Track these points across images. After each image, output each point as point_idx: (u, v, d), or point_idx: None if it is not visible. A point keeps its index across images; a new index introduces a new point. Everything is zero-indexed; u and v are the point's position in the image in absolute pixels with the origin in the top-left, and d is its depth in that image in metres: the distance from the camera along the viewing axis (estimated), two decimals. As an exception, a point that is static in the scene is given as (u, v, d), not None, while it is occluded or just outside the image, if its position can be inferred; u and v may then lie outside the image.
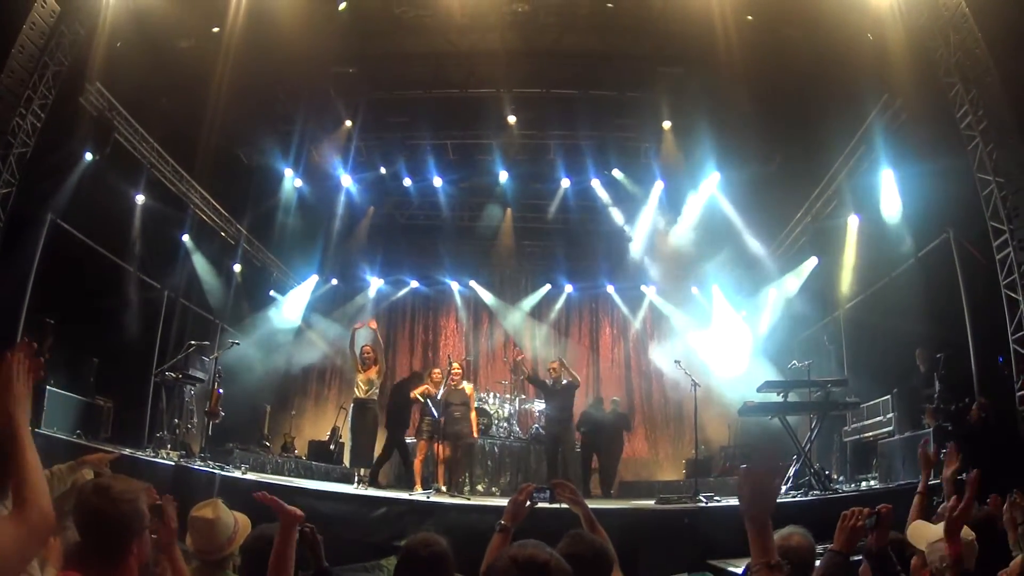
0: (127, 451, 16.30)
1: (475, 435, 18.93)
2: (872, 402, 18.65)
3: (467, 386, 18.77)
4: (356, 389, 18.66)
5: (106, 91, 18.26)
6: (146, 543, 4.40)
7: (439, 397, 17.94)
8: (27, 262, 16.66)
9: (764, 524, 3.99)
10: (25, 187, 15.93)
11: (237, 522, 6.50)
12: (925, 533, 5.56)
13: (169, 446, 17.98)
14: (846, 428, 20.17)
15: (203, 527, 6.28)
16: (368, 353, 19.00)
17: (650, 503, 16.44)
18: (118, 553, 4.10)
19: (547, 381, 20.27)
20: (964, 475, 11.95)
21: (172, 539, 5.49)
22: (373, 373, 18.85)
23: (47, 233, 17.03)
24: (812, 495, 14.62)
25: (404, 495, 15.61)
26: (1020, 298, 14.09)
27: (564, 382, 19.92)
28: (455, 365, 18.89)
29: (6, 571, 3.27)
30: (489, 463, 22.32)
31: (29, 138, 15.58)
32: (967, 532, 5.66)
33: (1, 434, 4.60)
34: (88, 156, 18.24)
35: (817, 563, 5.28)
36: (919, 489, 7.09)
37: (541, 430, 24.01)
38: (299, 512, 5.32)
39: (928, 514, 6.89)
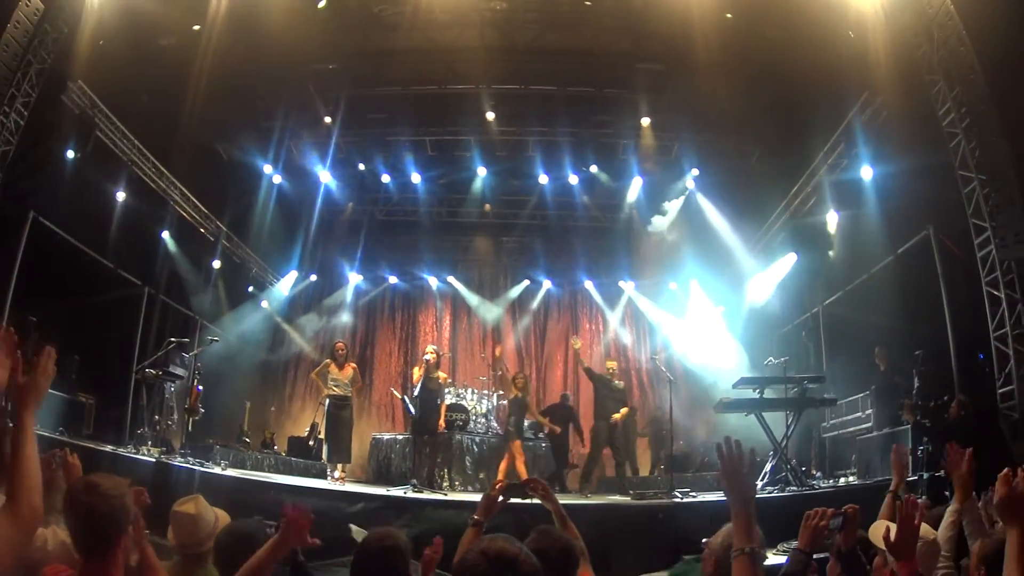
0: (108, 447, 16.39)
1: (441, 427, 18.88)
2: (850, 398, 18.90)
3: (441, 375, 18.83)
4: (331, 387, 18.72)
5: (88, 89, 18.26)
6: (130, 537, 4.53)
7: (418, 388, 17.98)
8: (9, 260, 16.66)
9: (748, 512, 4.18)
10: (7, 185, 15.97)
11: (218, 517, 6.63)
12: (891, 533, 5.68)
13: (150, 443, 17.98)
14: (824, 424, 20.38)
15: (185, 522, 6.41)
16: (342, 350, 19.13)
17: (625, 499, 16.61)
18: (107, 547, 4.24)
19: (615, 382, 20.20)
20: (940, 473, 12.21)
21: (141, 535, 5.60)
22: (348, 371, 18.95)
23: (29, 230, 17.06)
24: (788, 491, 14.79)
25: (381, 491, 15.72)
26: (1002, 295, 14.24)
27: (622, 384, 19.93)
28: (432, 351, 18.90)
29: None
30: (467, 459, 22.37)
31: (12, 136, 15.57)
32: (928, 530, 5.81)
33: None
34: (70, 154, 18.27)
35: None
36: (890, 488, 7.25)
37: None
38: (312, 541, 5.34)
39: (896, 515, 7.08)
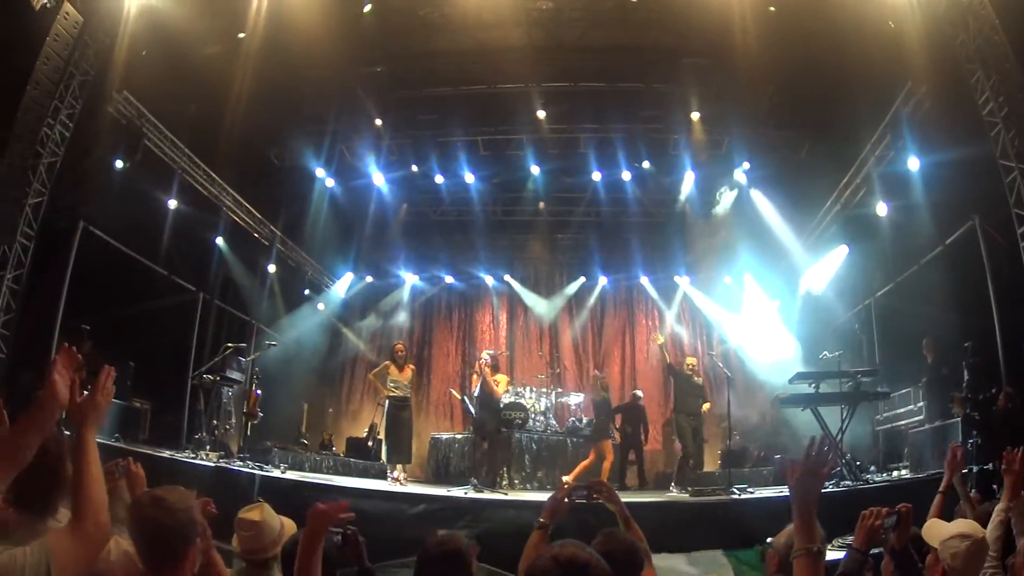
0: (166, 453, 16.49)
1: None
2: (903, 391, 18.68)
3: (500, 378, 18.73)
4: (391, 388, 18.66)
5: (133, 98, 18.43)
6: (197, 549, 4.49)
7: (477, 389, 17.94)
8: (61, 270, 16.89)
9: (810, 512, 4.12)
10: (56, 196, 16.06)
11: (283, 525, 6.66)
12: (939, 531, 5.59)
13: (208, 447, 18.08)
14: (878, 417, 20.14)
15: (250, 528, 6.45)
16: (401, 352, 19.11)
17: (684, 496, 16.49)
18: (174, 561, 4.22)
19: (695, 378, 20.06)
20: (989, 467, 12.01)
21: (208, 543, 5.57)
22: (408, 373, 18.93)
23: (79, 240, 17.21)
24: (844, 485, 14.60)
25: (442, 492, 15.69)
26: (1046, 285, 14.03)
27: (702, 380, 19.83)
28: (486, 356, 18.85)
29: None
30: (527, 457, 22.31)
31: (58, 147, 15.72)
32: (977, 529, 5.72)
33: (51, 452, 4.73)
34: (119, 163, 18.41)
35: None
36: (940, 488, 7.21)
37: (578, 423, 24.05)
38: (333, 512, 5.22)
39: (947, 512, 6.97)
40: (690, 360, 20.66)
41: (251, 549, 6.41)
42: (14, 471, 4.10)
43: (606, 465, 19.68)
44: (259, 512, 6.55)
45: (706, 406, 19.90)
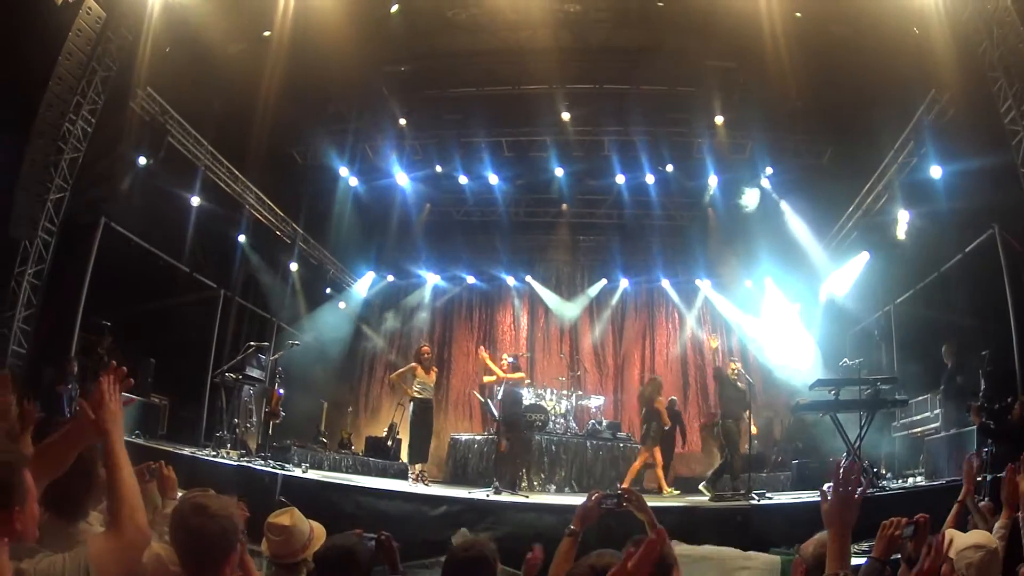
0: (187, 451, 16.51)
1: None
2: (919, 398, 18.62)
3: (516, 376, 18.63)
4: (417, 390, 18.59)
5: (157, 95, 18.51)
6: (238, 555, 4.52)
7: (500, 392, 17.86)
8: (82, 265, 16.95)
9: (844, 538, 4.06)
10: (78, 192, 16.09)
11: (312, 529, 6.65)
12: (954, 541, 5.55)
13: (229, 445, 18.08)
14: (895, 424, 20.10)
15: (280, 533, 6.45)
16: (427, 354, 19.07)
17: (704, 499, 16.43)
18: (216, 568, 4.21)
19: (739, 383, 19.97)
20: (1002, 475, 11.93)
21: (243, 546, 5.55)
22: (433, 375, 18.92)
23: (101, 236, 17.26)
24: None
25: (463, 493, 15.61)
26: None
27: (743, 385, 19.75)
28: (507, 358, 18.78)
29: None
30: (545, 459, 22.26)
31: (80, 143, 15.83)
32: (991, 539, 5.69)
33: (84, 457, 4.70)
34: (142, 160, 18.43)
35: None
36: (959, 498, 7.18)
37: (598, 426, 23.99)
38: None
39: (963, 521, 6.94)
40: (733, 365, 20.56)
41: (281, 553, 6.42)
42: (47, 480, 4.07)
43: (659, 471, 19.67)
44: (289, 517, 6.54)
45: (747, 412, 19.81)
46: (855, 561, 5.41)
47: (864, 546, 5.77)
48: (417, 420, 18.56)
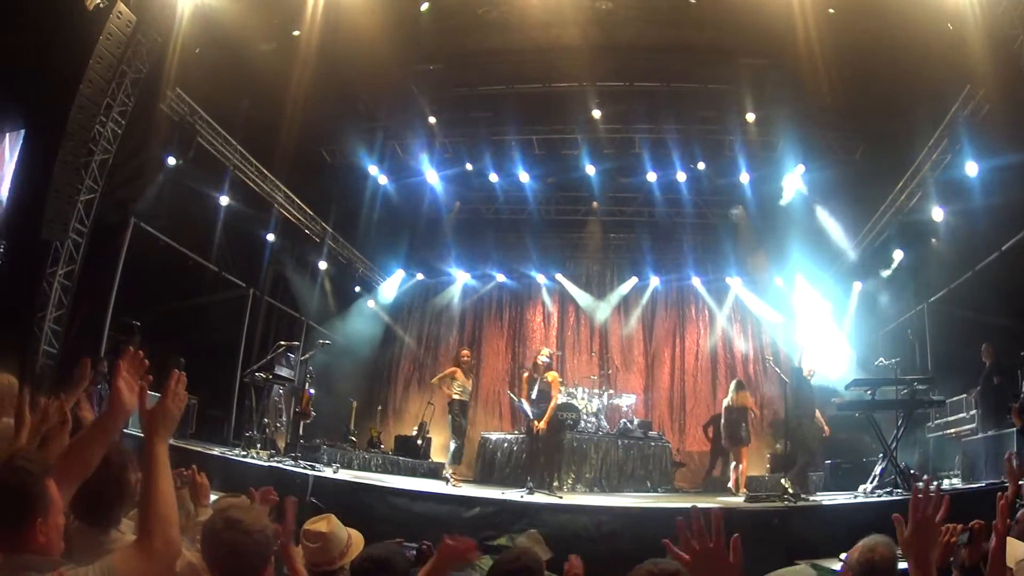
0: (217, 451, 16.49)
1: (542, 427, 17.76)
2: (955, 398, 18.49)
3: (550, 375, 18.38)
4: (458, 392, 18.48)
5: (187, 96, 18.55)
6: (272, 567, 4.48)
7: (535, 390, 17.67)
8: (112, 265, 17.00)
9: (927, 568, 3.88)
10: (108, 192, 16.12)
11: (350, 537, 6.58)
12: (1014, 551, 5.38)
13: (259, 445, 18.04)
14: (929, 424, 19.96)
15: (316, 540, 6.37)
16: (467, 358, 19.00)
17: (738, 500, 16.32)
18: None
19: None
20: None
21: (289, 539, 5.60)
22: (471, 379, 18.90)
23: (131, 236, 17.30)
24: (897, 494, 14.32)
25: (497, 495, 15.45)
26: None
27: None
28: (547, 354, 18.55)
29: None
30: (576, 458, 22.14)
31: (111, 145, 15.94)
32: None
33: (113, 462, 4.59)
34: (171, 160, 18.44)
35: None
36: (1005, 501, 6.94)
37: (629, 424, 23.87)
38: (462, 550, 5.01)
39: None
40: (809, 367, 20.42)
41: (317, 562, 6.30)
42: (80, 478, 4.04)
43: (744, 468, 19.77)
44: (326, 524, 6.47)
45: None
46: (902, 565, 5.29)
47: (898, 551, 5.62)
48: (457, 423, 18.50)
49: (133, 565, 3.29)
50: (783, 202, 25.96)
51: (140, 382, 4.07)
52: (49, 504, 3.42)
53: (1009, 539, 5.62)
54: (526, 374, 18.31)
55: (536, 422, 17.11)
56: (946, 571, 5.19)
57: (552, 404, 17.63)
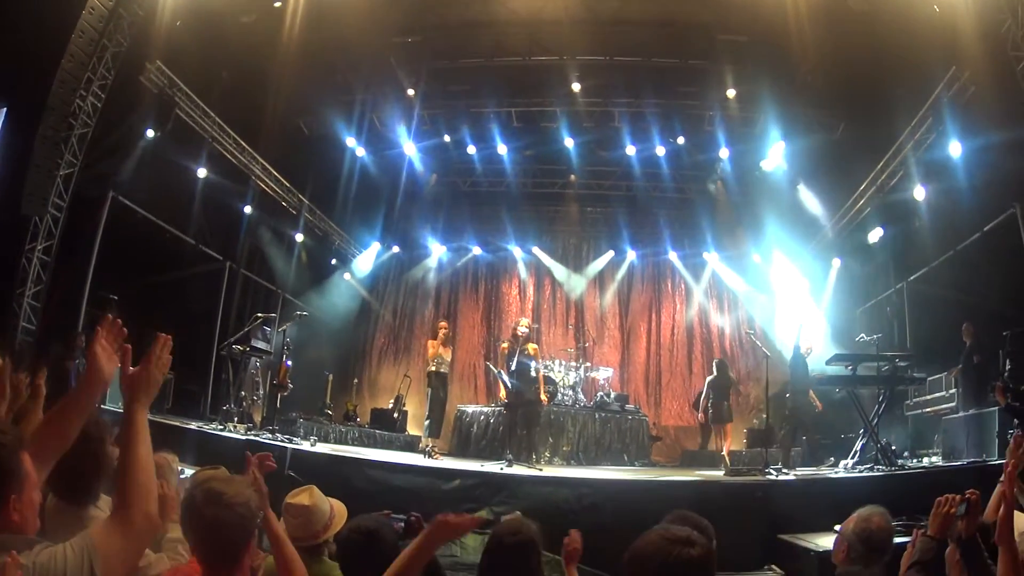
0: (194, 425, 16.44)
1: (543, 398, 18.02)
2: (934, 377, 18.55)
3: (531, 347, 18.24)
4: (435, 364, 18.47)
5: (167, 69, 18.37)
6: (255, 540, 4.41)
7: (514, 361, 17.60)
8: (90, 240, 16.93)
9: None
10: (87, 166, 16.07)
11: (333, 509, 6.45)
12: (1019, 523, 5.43)
13: (236, 419, 18.01)
14: (908, 402, 20.05)
15: (299, 514, 6.24)
16: (445, 329, 19.01)
17: (718, 474, 16.38)
18: (236, 556, 4.09)
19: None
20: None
21: (265, 503, 5.38)
22: (449, 350, 18.86)
23: (109, 210, 17.23)
24: (878, 470, 14.43)
25: (476, 467, 15.49)
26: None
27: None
28: (525, 323, 18.43)
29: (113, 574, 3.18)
30: (551, 430, 22.17)
31: (90, 118, 15.83)
32: None
33: (92, 436, 4.54)
34: (150, 133, 18.34)
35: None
36: (1002, 478, 7.00)
37: (606, 398, 23.93)
38: (462, 525, 4.90)
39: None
40: (807, 344, 20.47)
41: (300, 536, 6.12)
42: (59, 453, 3.93)
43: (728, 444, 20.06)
44: (308, 496, 6.35)
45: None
46: (897, 540, 5.34)
47: (897, 524, 5.65)
48: (436, 396, 18.50)
49: (112, 540, 3.17)
50: (763, 165, 25.98)
51: (118, 350, 4.00)
52: (24, 480, 3.29)
53: (1017, 512, 5.68)
54: (505, 345, 18.23)
55: (523, 394, 17.07)
56: (944, 543, 5.21)
57: (540, 375, 17.67)
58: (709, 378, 21.55)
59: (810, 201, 25.13)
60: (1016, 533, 5.33)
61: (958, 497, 5.07)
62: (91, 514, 4.72)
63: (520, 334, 17.54)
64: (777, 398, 19.83)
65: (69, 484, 4.57)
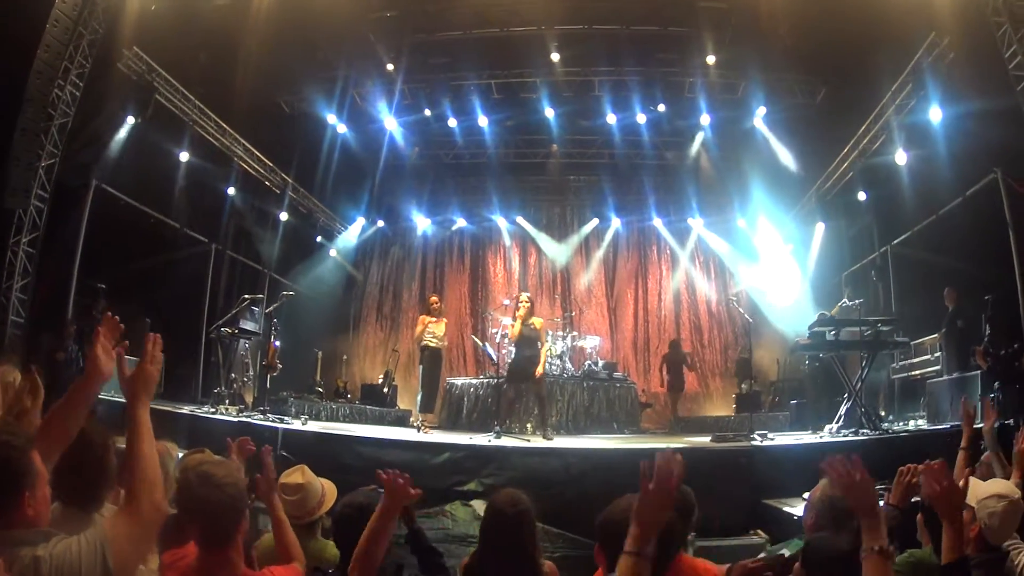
0: (186, 409, 16.51)
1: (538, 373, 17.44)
2: (919, 340, 18.67)
3: (537, 321, 17.97)
4: (429, 340, 18.53)
5: (144, 54, 18.32)
6: (248, 520, 4.51)
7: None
8: (74, 229, 16.95)
9: (875, 512, 4.02)
10: (69, 156, 16.09)
11: (323, 487, 6.69)
12: (975, 490, 5.56)
13: (227, 401, 18.08)
14: (894, 365, 20.20)
15: (295, 492, 6.48)
16: (436, 304, 19.02)
17: (705, 440, 16.50)
18: (228, 535, 4.23)
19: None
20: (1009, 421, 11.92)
21: (272, 487, 5.66)
22: (442, 324, 18.84)
23: (92, 199, 17.26)
24: (862, 435, 14.56)
25: (465, 440, 15.54)
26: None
27: None
28: (525, 298, 18.32)
29: (124, 565, 3.33)
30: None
31: (69, 108, 15.76)
32: (1014, 489, 5.66)
33: (95, 443, 4.68)
34: (130, 120, 18.31)
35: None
36: (962, 444, 7.22)
37: (594, 366, 24.06)
38: (414, 492, 5.02)
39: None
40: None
41: (297, 514, 6.36)
42: (60, 449, 4.08)
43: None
44: (301, 475, 6.60)
45: None
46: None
47: (880, 488, 5.76)
48: (429, 370, 18.55)
49: (121, 529, 3.33)
50: (745, 129, 26.03)
51: (117, 348, 4.12)
52: (36, 476, 3.45)
53: (973, 480, 5.80)
54: (512, 322, 18.23)
55: (526, 369, 17.05)
56: (904, 512, 5.32)
57: (544, 349, 17.69)
58: (665, 354, 22.51)
59: (793, 166, 25.16)
60: (975, 499, 5.47)
61: (920, 467, 5.17)
62: (95, 521, 4.75)
63: (526, 310, 17.43)
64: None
65: (75, 491, 4.61)
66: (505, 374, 18.15)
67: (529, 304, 17.45)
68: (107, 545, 3.25)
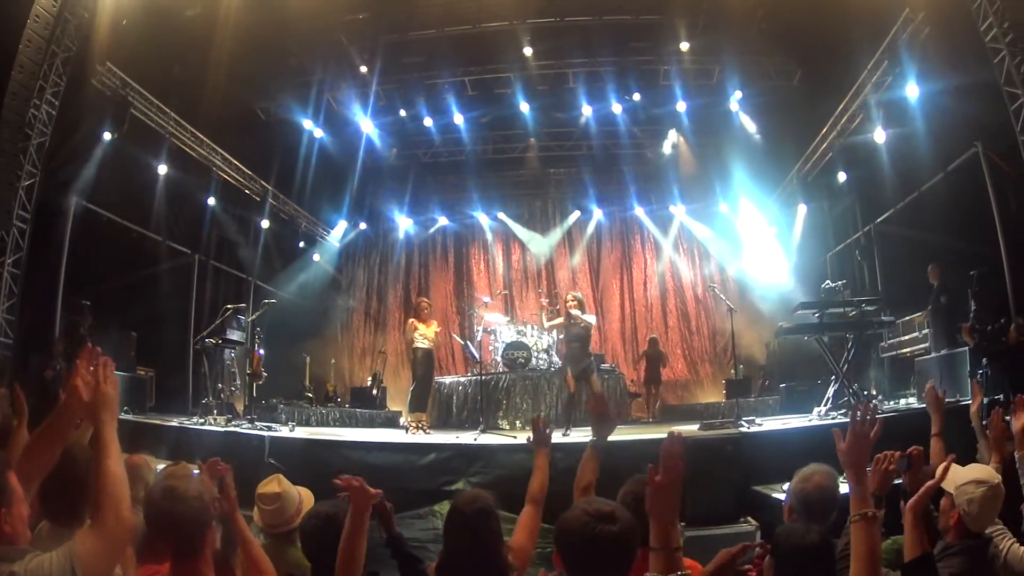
0: (175, 422, 16.53)
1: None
2: (907, 318, 18.78)
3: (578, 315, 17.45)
4: (420, 342, 18.58)
5: (118, 69, 18.32)
6: (215, 530, 4.66)
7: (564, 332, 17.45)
8: (58, 248, 16.94)
9: (864, 477, 4.18)
10: (48, 175, 16.11)
11: (300, 495, 6.70)
12: (954, 476, 5.60)
13: (215, 411, 18.10)
14: (883, 344, 20.25)
15: (272, 502, 6.50)
16: (426, 307, 19.09)
17: (693, 428, 16.50)
18: (195, 548, 4.31)
19: None
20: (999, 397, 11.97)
21: (233, 507, 5.59)
22: (432, 325, 18.87)
23: (74, 216, 17.29)
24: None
25: (451, 439, 15.61)
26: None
27: None
28: (570, 297, 18.16)
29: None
30: (528, 397, 22.33)
31: (46, 127, 15.70)
32: (993, 475, 5.68)
33: (78, 460, 4.77)
34: (107, 136, 18.32)
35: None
36: (933, 431, 7.03)
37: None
38: (373, 492, 5.06)
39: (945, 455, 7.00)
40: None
41: (275, 523, 6.47)
42: (43, 473, 4.23)
43: None
44: (278, 484, 6.61)
45: None
46: (843, 490, 5.52)
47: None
48: (420, 371, 18.63)
49: (89, 545, 3.43)
50: (723, 114, 26.11)
51: (92, 375, 4.19)
52: (11, 495, 3.56)
53: (953, 466, 5.85)
54: (560, 321, 18.10)
55: (581, 362, 16.99)
56: (889, 499, 5.36)
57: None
58: (644, 350, 22.59)
59: (771, 149, 25.23)
60: (953, 486, 5.53)
61: (897, 454, 5.22)
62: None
63: (570, 307, 17.16)
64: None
65: (59, 508, 4.70)
66: (571, 373, 17.73)
67: (576, 302, 17.26)
68: (76, 560, 3.36)
